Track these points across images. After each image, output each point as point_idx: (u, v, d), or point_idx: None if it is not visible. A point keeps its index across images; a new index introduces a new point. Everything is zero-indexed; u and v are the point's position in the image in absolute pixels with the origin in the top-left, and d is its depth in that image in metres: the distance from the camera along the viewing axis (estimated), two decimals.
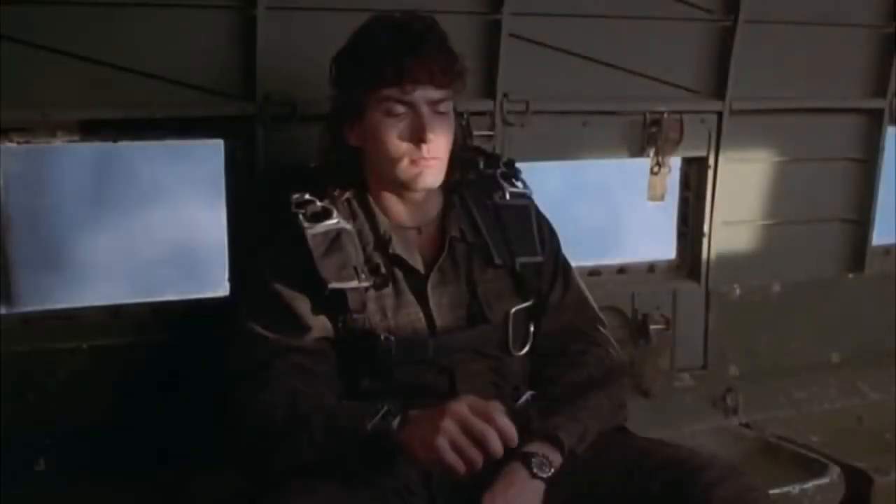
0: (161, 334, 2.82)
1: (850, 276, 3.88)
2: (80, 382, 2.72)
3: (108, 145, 2.72)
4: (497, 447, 1.97)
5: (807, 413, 3.61)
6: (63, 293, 2.81)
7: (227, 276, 2.85)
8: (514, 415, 2.16)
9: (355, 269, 2.31)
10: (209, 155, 2.82)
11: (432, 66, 2.28)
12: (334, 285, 2.29)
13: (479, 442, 1.97)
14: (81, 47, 2.59)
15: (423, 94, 2.29)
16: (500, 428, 1.98)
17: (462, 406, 2.01)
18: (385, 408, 2.10)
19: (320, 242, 2.32)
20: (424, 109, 2.30)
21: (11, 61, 2.51)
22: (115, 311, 2.82)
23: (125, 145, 2.73)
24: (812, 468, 3.13)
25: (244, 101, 2.78)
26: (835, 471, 3.10)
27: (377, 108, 2.31)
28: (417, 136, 2.29)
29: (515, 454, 2.25)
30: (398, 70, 2.27)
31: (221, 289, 2.87)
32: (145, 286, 2.88)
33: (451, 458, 1.97)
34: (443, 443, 1.97)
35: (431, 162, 2.33)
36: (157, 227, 2.94)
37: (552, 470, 2.26)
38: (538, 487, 2.25)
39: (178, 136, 2.77)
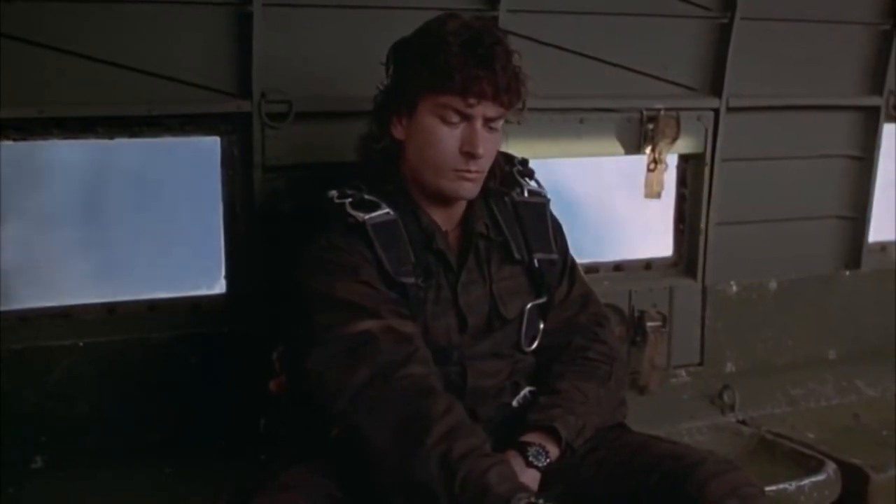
0: (157, 331, 2.82)
1: (847, 272, 3.89)
2: (76, 379, 2.72)
3: (105, 142, 2.72)
4: None
5: (803, 410, 3.61)
6: (60, 290, 2.81)
7: (223, 273, 2.86)
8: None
9: (413, 265, 2.30)
10: (205, 152, 2.82)
11: (500, 84, 2.25)
12: (401, 279, 2.26)
13: None
14: (78, 45, 2.58)
15: (483, 110, 2.27)
16: None
17: None
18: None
19: (378, 232, 2.28)
20: (479, 124, 2.28)
21: (8, 59, 2.51)
22: (112, 309, 2.82)
23: (121, 142, 2.73)
24: (808, 465, 3.13)
25: (240, 99, 2.78)
26: (831, 467, 3.11)
27: (432, 112, 2.28)
28: (468, 151, 2.27)
29: (513, 444, 2.26)
30: (467, 82, 2.23)
31: (218, 286, 2.88)
32: (141, 283, 2.88)
33: None
34: None
35: (475, 175, 2.31)
36: (154, 223, 2.94)
37: (548, 460, 2.26)
38: (533, 476, 2.24)
39: (175, 133, 2.77)
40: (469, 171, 2.29)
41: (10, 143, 2.61)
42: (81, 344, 2.74)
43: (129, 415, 2.77)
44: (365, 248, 2.26)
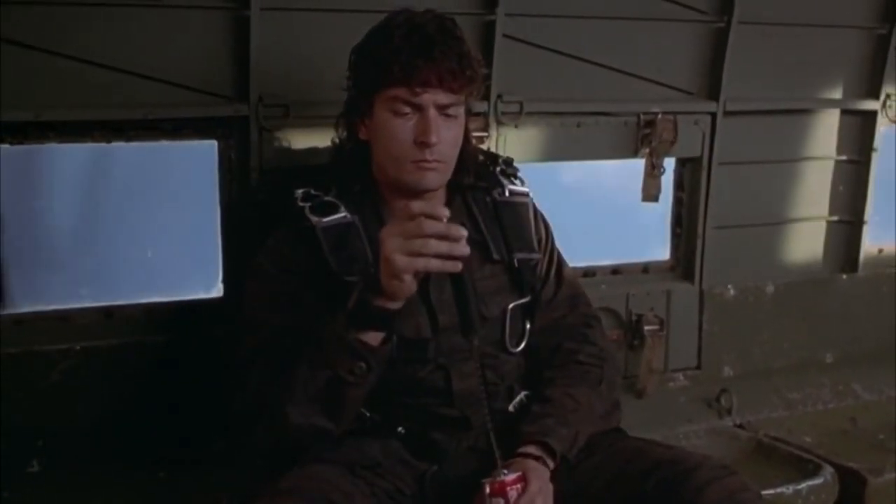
0: (154, 335, 2.82)
1: (844, 276, 3.90)
2: (73, 383, 2.72)
3: (102, 146, 2.72)
4: (439, 227, 2.03)
5: (800, 413, 3.61)
6: (56, 294, 2.81)
7: (220, 277, 2.85)
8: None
9: (366, 263, 2.30)
10: (202, 156, 2.82)
11: (442, 69, 2.25)
12: (348, 278, 2.28)
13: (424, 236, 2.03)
14: (75, 48, 2.58)
15: (432, 98, 2.27)
16: (429, 213, 2.04)
17: (389, 228, 2.08)
18: (357, 289, 2.14)
19: (330, 235, 2.32)
20: (432, 112, 2.28)
21: (4, 62, 2.50)
22: (108, 313, 2.82)
23: (118, 146, 2.73)
24: (806, 469, 3.14)
25: (238, 103, 2.78)
26: (828, 471, 3.11)
27: (385, 107, 2.30)
28: (421, 139, 2.28)
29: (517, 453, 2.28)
30: (407, 71, 2.24)
31: (215, 290, 2.87)
32: (138, 287, 2.88)
33: (419, 263, 2.03)
34: (400, 260, 2.02)
35: (434, 165, 2.31)
36: (151, 227, 2.93)
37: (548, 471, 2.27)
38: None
39: (172, 136, 2.77)
40: (427, 161, 2.30)
41: (6, 146, 2.61)
42: (78, 348, 2.73)
43: (126, 419, 2.77)
44: (309, 253, 2.31)
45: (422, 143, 2.28)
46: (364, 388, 2.18)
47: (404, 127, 2.29)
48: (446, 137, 2.31)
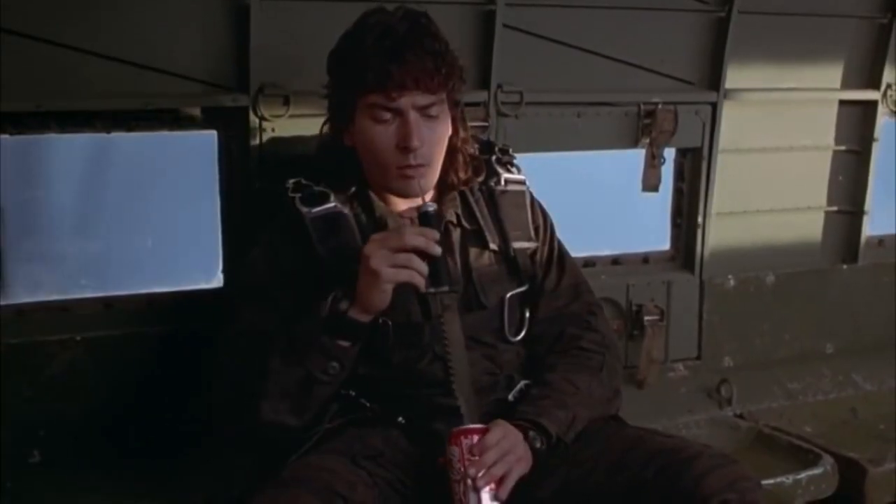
0: (154, 326, 2.82)
1: (845, 266, 3.89)
2: (73, 374, 2.72)
3: (102, 136, 2.72)
4: (421, 241, 2.15)
5: (801, 404, 3.62)
6: (56, 285, 2.81)
7: (220, 267, 2.85)
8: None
9: (355, 251, 2.31)
10: (202, 146, 2.82)
11: (417, 71, 2.24)
12: (340, 268, 2.28)
13: (407, 250, 2.14)
14: (75, 38, 2.58)
15: (410, 100, 2.26)
16: (413, 232, 2.18)
17: (374, 241, 2.18)
18: (332, 295, 2.20)
19: (319, 225, 2.32)
20: (412, 115, 2.27)
21: (5, 52, 2.50)
22: (109, 303, 2.82)
23: (118, 136, 2.73)
24: (806, 459, 3.14)
25: (238, 93, 2.77)
26: (828, 461, 3.12)
27: (364, 114, 2.29)
28: (403, 145, 2.27)
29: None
30: (382, 77, 2.23)
31: (215, 280, 2.87)
32: (138, 278, 2.88)
33: (403, 275, 2.14)
34: (386, 272, 2.13)
35: (420, 169, 2.31)
36: (151, 218, 2.93)
37: (542, 447, 2.26)
38: (527, 450, 2.24)
39: (172, 127, 2.77)
40: (411, 167, 2.29)
41: (6, 137, 2.61)
42: (79, 338, 2.73)
43: (127, 409, 2.77)
44: (299, 243, 2.33)
45: (404, 149, 2.27)
46: (334, 386, 2.23)
47: (385, 133, 2.28)
48: (429, 138, 2.30)
